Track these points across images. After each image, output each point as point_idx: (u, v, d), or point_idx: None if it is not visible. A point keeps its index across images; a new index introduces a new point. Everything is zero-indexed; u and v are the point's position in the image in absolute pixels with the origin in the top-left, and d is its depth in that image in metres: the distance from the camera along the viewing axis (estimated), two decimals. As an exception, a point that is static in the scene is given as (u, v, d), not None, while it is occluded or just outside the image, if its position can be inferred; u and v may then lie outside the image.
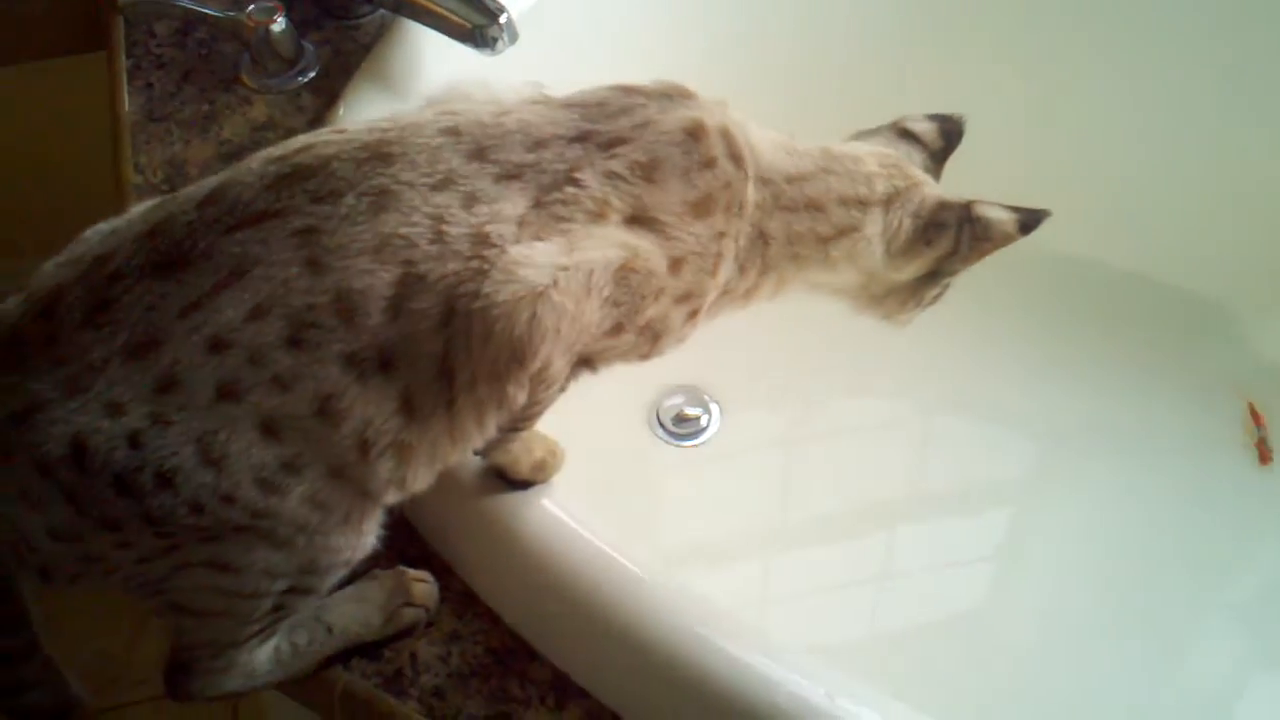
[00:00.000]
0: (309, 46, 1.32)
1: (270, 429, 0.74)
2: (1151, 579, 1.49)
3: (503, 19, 1.18)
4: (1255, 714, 1.42)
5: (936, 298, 1.03)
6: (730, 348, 1.41)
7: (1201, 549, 1.51)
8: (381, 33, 1.33)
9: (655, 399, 1.61)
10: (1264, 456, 1.57)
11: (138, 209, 0.82)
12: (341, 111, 1.24)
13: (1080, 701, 1.38)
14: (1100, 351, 1.66)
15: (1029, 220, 0.97)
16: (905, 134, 1.03)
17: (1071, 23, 1.62)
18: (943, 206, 0.96)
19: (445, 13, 1.20)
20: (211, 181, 0.79)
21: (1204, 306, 1.71)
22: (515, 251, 0.76)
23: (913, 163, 0.99)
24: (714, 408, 1.61)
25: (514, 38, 1.19)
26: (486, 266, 0.76)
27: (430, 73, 1.26)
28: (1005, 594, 1.53)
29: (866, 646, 1.45)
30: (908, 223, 0.95)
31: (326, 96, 1.29)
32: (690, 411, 1.60)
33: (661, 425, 1.59)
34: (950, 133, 1.04)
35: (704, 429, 1.59)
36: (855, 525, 1.56)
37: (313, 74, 1.31)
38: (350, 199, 0.76)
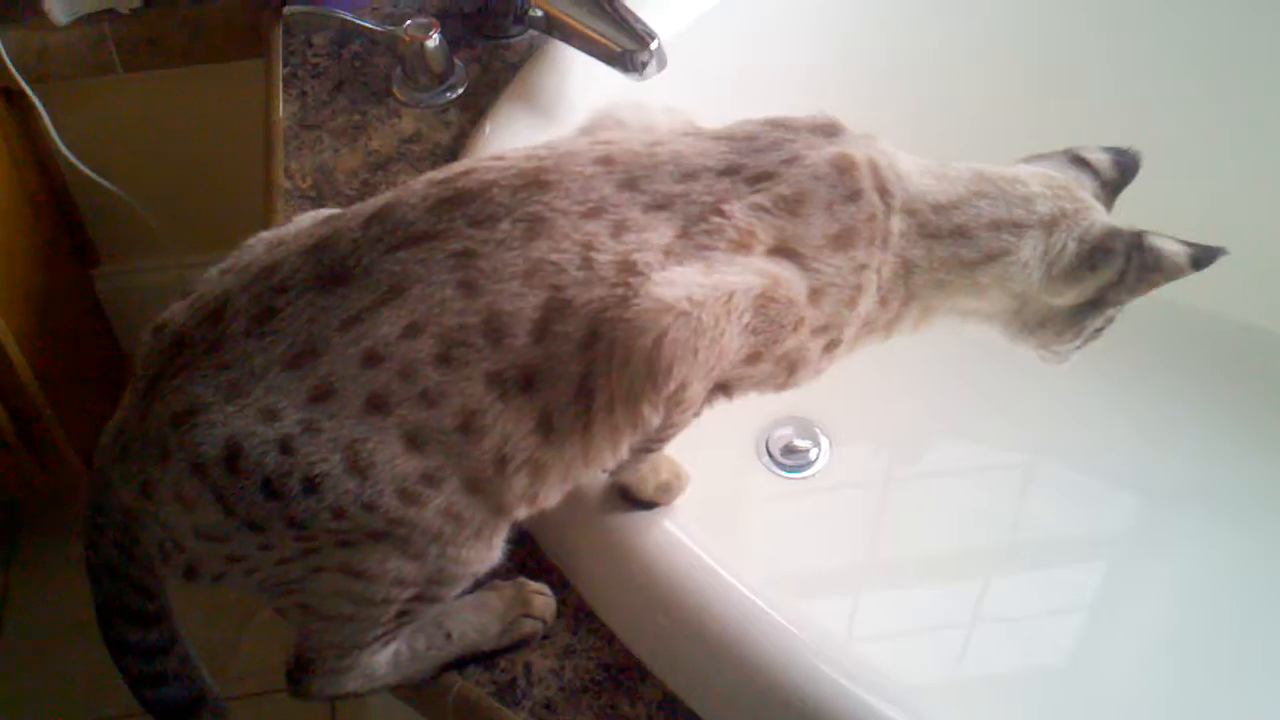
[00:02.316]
0: (459, 63, 1.36)
1: (414, 441, 0.77)
2: (1244, 645, 1.47)
3: (653, 45, 1.20)
4: None
5: (1098, 332, 1.00)
6: (843, 382, 1.41)
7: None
8: (530, 53, 1.36)
9: (766, 428, 1.61)
10: None
11: (305, 219, 0.86)
12: (488, 129, 1.27)
13: None
14: (1209, 407, 1.64)
15: (1203, 256, 0.94)
16: (1078, 161, 1.00)
17: (1234, 72, 1.59)
18: (1112, 233, 0.93)
19: (596, 36, 1.23)
20: (377, 201, 0.82)
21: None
22: (658, 277, 0.78)
23: (1084, 189, 0.97)
24: (824, 440, 1.61)
25: (663, 64, 1.21)
26: (630, 293, 0.78)
27: (576, 95, 1.29)
28: (1095, 649, 1.50)
29: (949, 691, 1.44)
30: (1072, 246, 0.92)
31: (473, 113, 1.32)
32: (800, 444, 1.60)
33: (770, 455, 1.60)
34: (1125, 166, 1.02)
35: (812, 462, 1.60)
36: (948, 568, 1.55)
37: (461, 90, 1.35)
38: (506, 224, 0.78)
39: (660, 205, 0.81)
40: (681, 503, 1.02)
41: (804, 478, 1.59)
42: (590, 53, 1.24)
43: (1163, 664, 1.47)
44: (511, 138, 1.24)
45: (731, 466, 1.59)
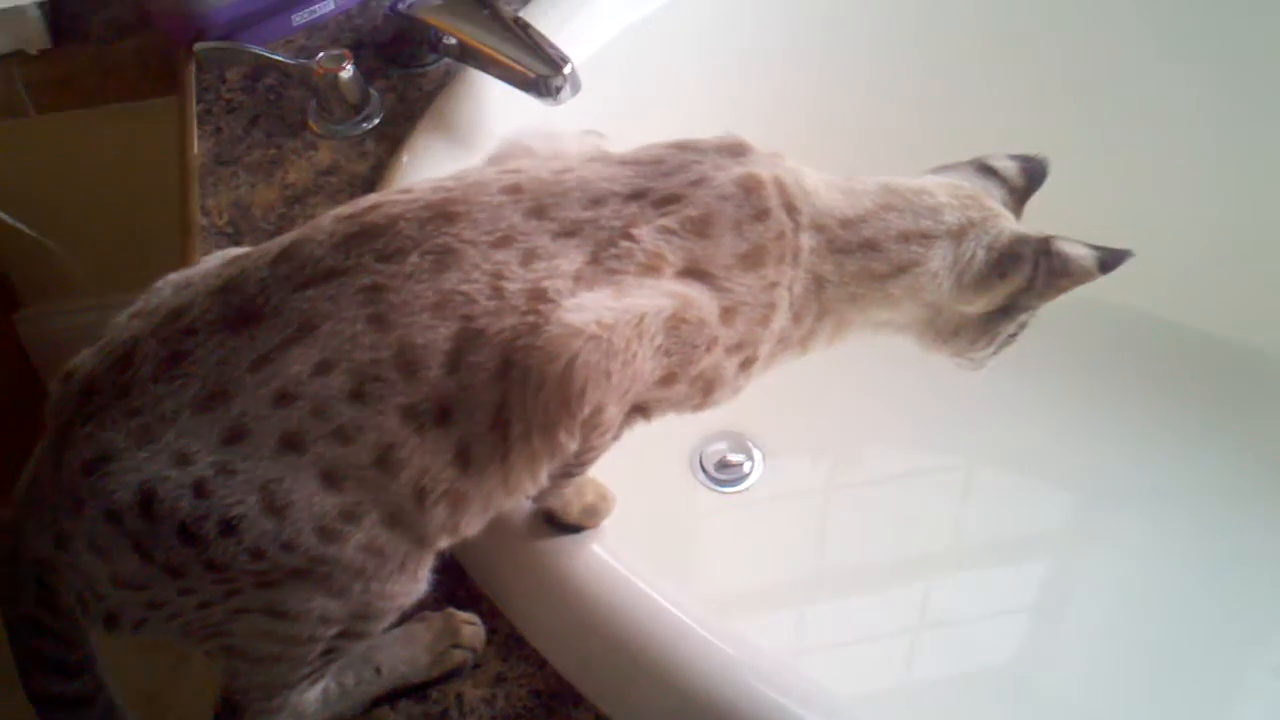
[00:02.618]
0: (375, 94, 1.35)
1: (331, 478, 0.77)
2: (1190, 636, 1.49)
3: (567, 69, 1.21)
4: None
5: (1012, 338, 1.02)
6: (774, 394, 1.42)
7: (1242, 609, 1.51)
8: (446, 81, 1.36)
9: (699, 445, 1.62)
10: None
11: (213, 260, 0.85)
12: (405, 159, 1.27)
13: None
14: (1142, 404, 1.66)
15: (1110, 259, 0.96)
16: (986, 169, 1.02)
17: (1143, 70, 1.62)
18: (1020, 240, 0.94)
19: (510, 62, 1.23)
20: (284, 239, 0.82)
21: (1249, 359, 1.71)
22: (568, 303, 0.79)
23: (991, 198, 0.99)
24: (757, 454, 1.62)
25: (577, 87, 1.22)
26: (541, 320, 0.78)
27: (493, 122, 1.29)
28: (1042, 647, 1.52)
29: (900, 697, 1.46)
30: (981, 254, 0.93)
31: (390, 143, 1.32)
32: (734, 458, 1.61)
33: (704, 471, 1.60)
34: (1032, 173, 1.03)
35: (747, 475, 1.60)
36: (893, 575, 1.56)
37: (377, 120, 1.34)
38: (415, 257, 0.78)
39: (569, 232, 0.82)
40: (611, 524, 1.02)
41: (739, 492, 1.60)
42: (505, 79, 1.25)
43: (1107, 658, 1.48)
44: (429, 166, 1.24)
45: (666, 484, 1.60)
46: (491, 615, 1.00)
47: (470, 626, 0.98)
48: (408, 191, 0.83)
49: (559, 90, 1.21)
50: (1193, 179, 1.65)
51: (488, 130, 1.29)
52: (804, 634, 1.52)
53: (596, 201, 0.83)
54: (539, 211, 0.82)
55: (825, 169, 0.96)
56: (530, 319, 0.78)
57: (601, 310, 0.78)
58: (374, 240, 0.79)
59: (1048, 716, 1.43)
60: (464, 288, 0.78)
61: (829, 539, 1.61)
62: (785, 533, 1.59)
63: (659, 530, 1.50)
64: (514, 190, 0.83)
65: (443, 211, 0.80)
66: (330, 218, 0.82)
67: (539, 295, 0.79)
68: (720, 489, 1.60)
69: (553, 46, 1.23)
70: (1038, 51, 1.63)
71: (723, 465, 1.61)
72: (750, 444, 1.63)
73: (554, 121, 1.22)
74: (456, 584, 1.01)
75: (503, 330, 0.78)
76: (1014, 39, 1.63)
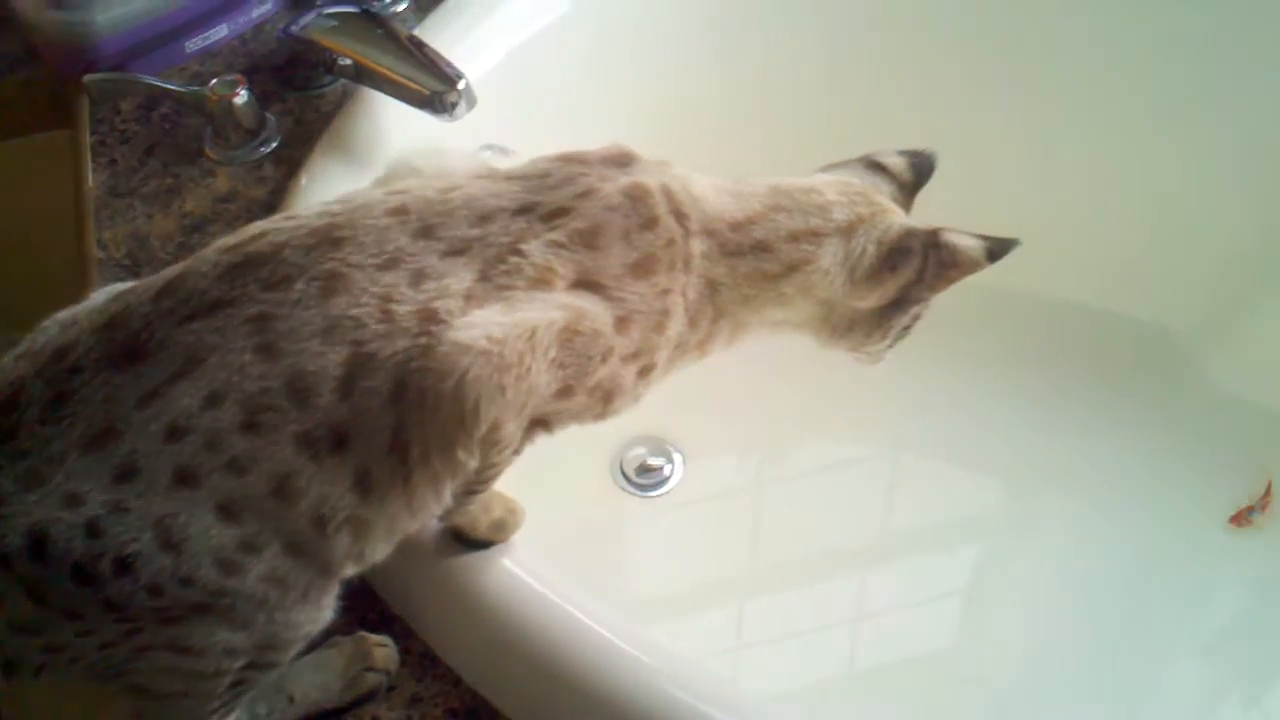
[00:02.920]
0: (271, 118, 1.35)
1: (228, 510, 0.76)
2: (1121, 615, 1.52)
3: (461, 84, 1.21)
4: None
5: (906, 330, 1.04)
6: (692, 396, 1.43)
7: (1169, 587, 1.54)
8: (343, 102, 1.36)
9: (618, 450, 1.63)
10: (1238, 519, 1.59)
11: (98, 297, 0.84)
12: (304, 181, 1.26)
13: None
14: (1060, 387, 1.69)
15: (997, 248, 0.98)
16: (875, 166, 1.04)
17: (1018, 57, 1.65)
18: (909, 233, 0.96)
19: (404, 81, 1.24)
20: (168, 272, 0.81)
21: (1160, 339, 1.75)
22: (459, 322, 0.79)
23: (880, 193, 1.00)
24: (677, 457, 1.63)
25: (472, 103, 1.22)
26: (433, 341, 0.78)
27: (391, 140, 1.29)
28: (977, 629, 1.55)
29: (843, 687, 1.48)
30: (871, 249, 0.95)
31: (289, 166, 1.31)
32: (653, 462, 1.62)
33: (625, 476, 1.61)
34: (921, 167, 1.06)
35: (668, 478, 1.61)
36: (826, 567, 1.58)
37: (275, 144, 1.34)
38: (301, 284, 0.78)
39: (458, 250, 0.82)
40: (534, 536, 1.02)
41: (662, 494, 1.60)
42: (400, 98, 1.25)
43: (1042, 638, 1.52)
44: (328, 188, 1.23)
45: (588, 493, 1.60)
46: (405, 636, 1.00)
47: (383, 649, 0.98)
48: (293, 218, 0.83)
49: (454, 106, 1.21)
50: (1101, 165, 1.68)
51: (386, 149, 1.28)
52: (744, 631, 1.54)
53: (484, 218, 0.84)
54: (426, 231, 0.82)
55: (724, 171, 0.97)
56: (422, 340, 0.78)
57: (491, 326, 0.79)
58: (259, 269, 0.78)
59: (984, 693, 1.45)
60: (353, 312, 0.78)
61: (761, 535, 1.63)
62: (716, 532, 1.60)
63: (584, 540, 1.52)
64: (400, 211, 0.83)
65: (328, 237, 0.80)
66: (214, 249, 0.81)
67: (430, 316, 0.79)
68: (643, 494, 1.60)
69: (447, 63, 1.24)
70: (932, 45, 1.66)
71: (643, 470, 1.61)
72: (670, 447, 1.64)
73: (456, 138, 1.23)
74: (368, 607, 1.01)
75: (395, 353, 0.78)
76: (904, 34, 1.65)
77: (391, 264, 0.80)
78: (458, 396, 0.78)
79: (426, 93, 1.22)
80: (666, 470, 1.62)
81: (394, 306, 0.78)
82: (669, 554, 1.58)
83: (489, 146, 1.32)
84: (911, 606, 1.55)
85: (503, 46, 1.39)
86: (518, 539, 1.01)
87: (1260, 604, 1.56)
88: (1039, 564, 1.60)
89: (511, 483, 1.22)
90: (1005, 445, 1.68)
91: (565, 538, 1.48)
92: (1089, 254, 1.71)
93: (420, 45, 1.26)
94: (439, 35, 1.33)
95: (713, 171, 0.97)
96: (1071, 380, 1.70)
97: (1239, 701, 1.49)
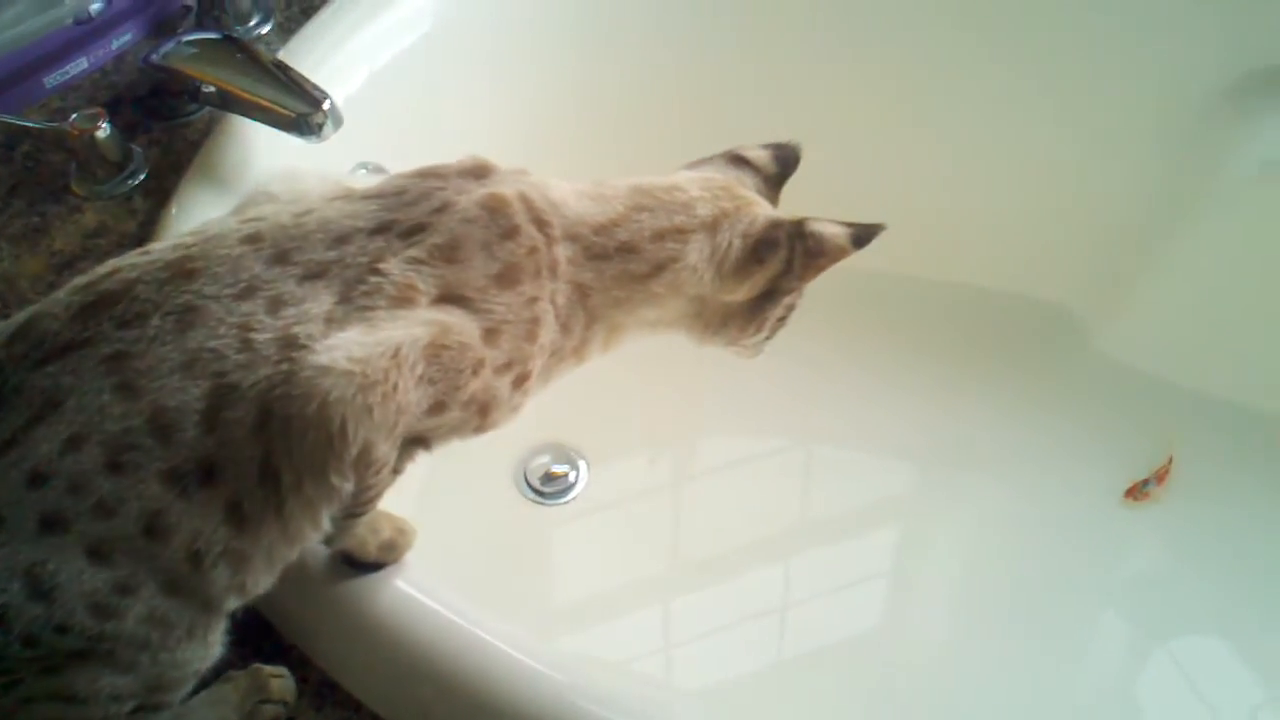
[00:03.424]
0: (137, 149, 1.32)
1: (99, 553, 0.75)
2: (1033, 583, 1.56)
3: (326, 105, 1.20)
4: (1155, 693, 1.50)
5: (782, 321, 1.05)
6: (592, 401, 1.44)
7: (1077, 553, 1.59)
8: (210, 129, 1.34)
9: (521, 460, 1.62)
10: (1132, 493, 1.63)
11: None
12: (174, 211, 1.24)
13: (984, 702, 1.45)
14: (962, 369, 1.73)
15: (863, 234, 0.99)
16: (738, 160, 1.04)
17: (892, 44, 1.67)
18: (774, 225, 0.97)
19: (269, 104, 1.22)
20: (19, 317, 0.79)
21: (1057, 316, 1.79)
22: (320, 346, 0.78)
23: (744, 187, 1.01)
24: (581, 463, 1.63)
25: (339, 123, 1.21)
26: (295, 368, 0.77)
27: (260, 165, 1.27)
28: (902, 609, 1.58)
29: (775, 675, 1.49)
30: (738, 243, 0.96)
31: (159, 197, 1.29)
32: (558, 469, 1.61)
33: (530, 486, 1.60)
34: (785, 159, 1.07)
35: (573, 485, 1.61)
36: (748, 560, 1.59)
37: (143, 176, 1.31)
38: (156, 320, 0.77)
39: (315, 274, 0.81)
40: (436, 554, 1.02)
41: (569, 501, 1.61)
42: (266, 121, 1.23)
43: (964, 615, 1.55)
44: (200, 217, 1.20)
45: (494, 506, 1.60)
46: (301, 664, 0.99)
47: (279, 679, 0.97)
48: (146, 253, 0.82)
49: (321, 127, 1.20)
50: (985, 150, 1.71)
51: (257, 174, 1.27)
52: (672, 630, 1.54)
53: (341, 240, 0.83)
54: (282, 257, 0.81)
55: (599, 173, 0.97)
56: (284, 367, 0.77)
57: (353, 346, 0.78)
58: (112, 308, 0.77)
59: (918, 673, 1.48)
60: (212, 344, 0.77)
61: (680, 534, 1.64)
62: (633, 534, 1.61)
63: (493, 553, 1.52)
64: (254, 239, 0.82)
65: (181, 270, 0.79)
66: (66, 289, 0.80)
67: (290, 342, 0.78)
68: (550, 502, 1.60)
69: (312, 85, 1.22)
70: (799, 37, 1.67)
71: (548, 478, 1.61)
72: (573, 453, 1.64)
73: (329, 159, 1.22)
74: (261, 637, 1.00)
75: (257, 382, 0.77)
76: (770, 29, 1.67)
77: (248, 293, 0.79)
78: (322, 420, 0.77)
79: (292, 115, 1.21)
80: (571, 477, 1.62)
81: (253, 335, 0.78)
82: (586, 560, 1.59)
83: (363, 165, 1.32)
84: (836, 592, 1.57)
85: (368, 66, 1.38)
86: (413, 557, 1.01)
87: (1168, 561, 1.61)
88: (956, 542, 1.64)
89: (412, 499, 1.22)
90: (914, 429, 1.70)
91: (473, 552, 1.49)
92: (981, 238, 1.75)
93: (285, 68, 1.25)
94: (304, 58, 1.33)
95: (581, 177, 0.97)
96: (974, 362, 1.74)
97: (1153, 656, 1.54)
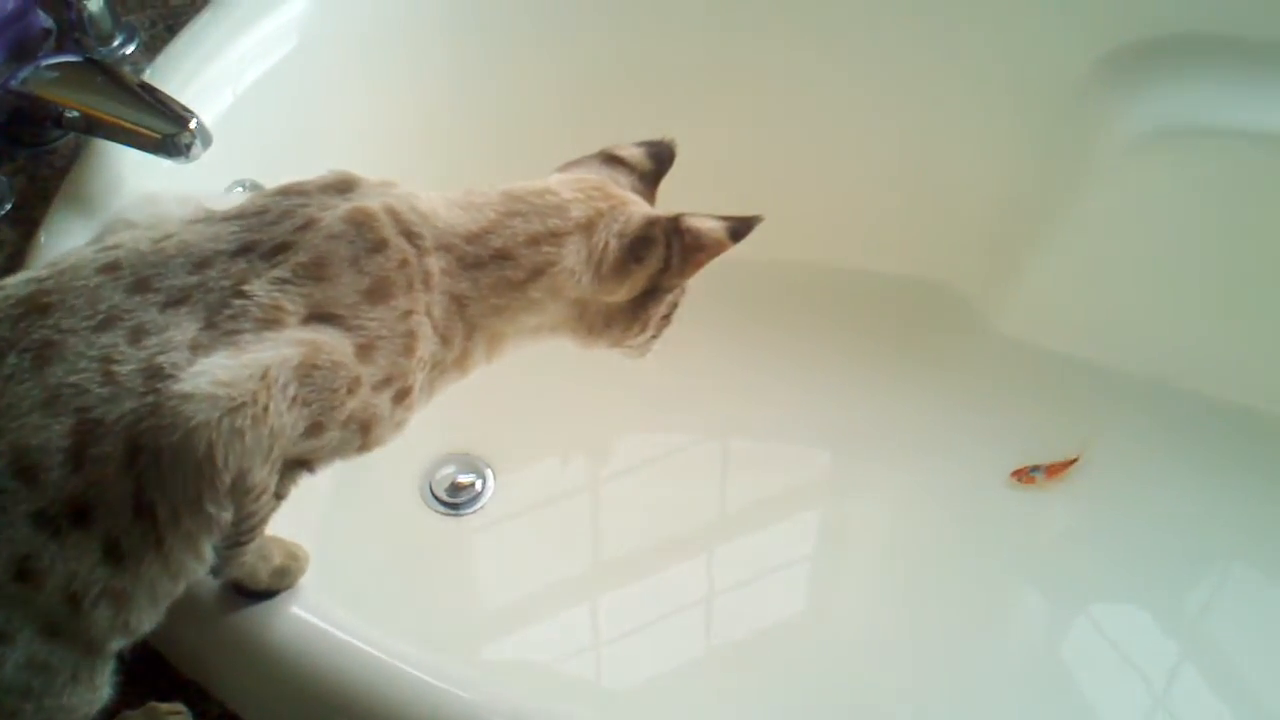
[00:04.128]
0: (2, 178, 1.28)
1: None
2: (952, 559, 1.59)
3: (193, 124, 1.18)
4: (1080, 657, 1.53)
5: (666, 319, 1.05)
6: (494, 407, 1.43)
7: (993, 527, 1.62)
8: (77, 154, 1.30)
9: (425, 473, 1.60)
10: (1019, 475, 1.65)
11: None
12: (43, 240, 1.21)
13: (913, 679, 1.47)
14: (864, 354, 1.75)
15: (740, 227, 0.99)
16: (612, 159, 1.04)
17: (759, 28, 1.66)
18: (650, 223, 0.97)
19: (134, 126, 1.19)
20: None
21: (952, 298, 1.81)
22: (186, 374, 0.76)
23: (619, 185, 1.01)
24: (488, 471, 1.62)
25: (207, 141, 1.18)
26: (161, 398, 0.75)
27: (130, 188, 1.24)
28: (824, 593, 1.60)
29: (705, 665, 1.50)
30: (614, 243, 0.95)
31: (27, 226, 1.25)
32: (464, 479, 1.60)
33: (436, 498, 1.59)
34: (660, 155, 1.06)
35: (481, 494, 1.60)
36: (672, 553, 1.60)
37: (9, 207, 1.27)
38: (12, 358, 0.74)
39: (177, 301, 0.79)
40: (346, 574, 1.02)
41: (478, 510, 1.59)
42: (133, 144, 1.20)
43: (884, 590, 1.58)
44: (70, 245, 1.17)
45: (402, 521, 1.58)
46: (200, 699, 0.97)
47: (176, 715, 0.94)
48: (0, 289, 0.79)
49: (189, 147, 1.17)
50: (867, 135, 1.73)
51: (127, 199, 1.23)
52: (600, 628, 1.54)
53: (202, 264, 0.81)
54: (141, 285, 0.79)
55: (480, 179, 0.96)
56: (150, 399, 0.75)
57: (217, 370, 0.76)
58: None
59: (846, 653, 1.50)
60: (72, 379, 0.74)
61: (601, 533, 1.63)
62: (553, 537, 1.61)
63: (407, 569, 1.51)
64: (112, 268, 0.80)
65: (35, 305, 0.77)
66: None
67: (155, 372, 0.76)
68: (458, 512, 1.59)
69: (178, 104, 1.20)
70: (667, 34, 1.66)
71: (455, 489, 1.59)
72: (479, 462, 1.62)
73: (205, 179, 1.20)
74: (156, 674, 0.97)
75: (123, 416, 0.75)
76: (636, 29, 1.66)
77: (108, 324, 0.77)
78: (188, 447, 0.74)
79: (159, 137, 1.18)
80: (479, 485, 1.60)
81: (115, 368, 0.75)
82: (506, 567, 1.58)
83: (239, 183, 1.29)
84: (758, 580, 1.58)
85: (238, 82, 1.35)
86: (308, 580, 0.99)
87: (1084, 533, 1.64)
88: (873, 524, 1.66)
89: (317, 520, 1.19)
90: (827, 417, 1.72)
91: (385, 569, 1.47)
92: (875, 224, 1.77)
93: (150, 89, 1.22)
94: (170, 77, 1.29)
95: (454, 186, 0.96)
96: (881, 347, 1.76)
97: (1075, 623, 1.57)
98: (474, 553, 1.60)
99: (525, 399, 1.57)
